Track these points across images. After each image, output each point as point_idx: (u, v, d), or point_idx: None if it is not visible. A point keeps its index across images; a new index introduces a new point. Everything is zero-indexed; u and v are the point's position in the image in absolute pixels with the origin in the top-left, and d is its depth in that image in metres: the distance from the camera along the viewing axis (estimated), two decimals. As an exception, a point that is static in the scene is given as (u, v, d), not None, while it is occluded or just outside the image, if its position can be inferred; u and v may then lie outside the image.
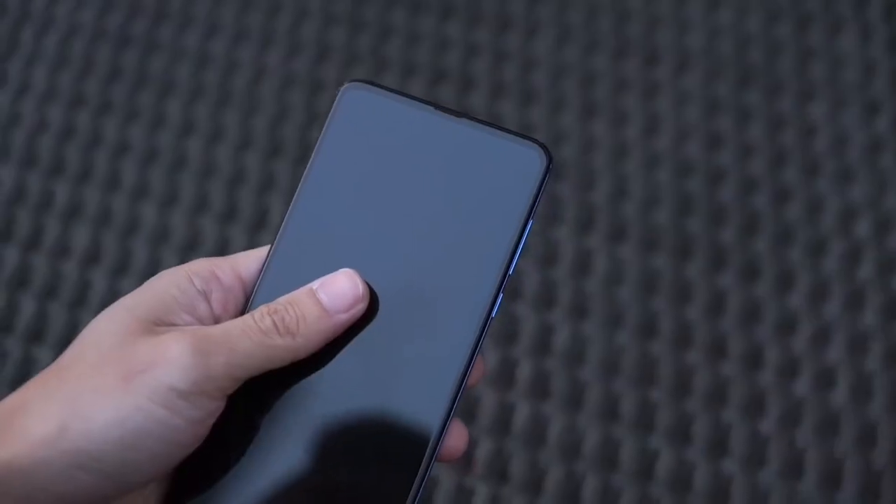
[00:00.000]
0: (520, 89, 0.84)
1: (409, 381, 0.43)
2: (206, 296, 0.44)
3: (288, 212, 0.45)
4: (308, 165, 0.45)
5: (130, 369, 0.41)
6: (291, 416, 0.43)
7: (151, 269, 0.77)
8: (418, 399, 0.43)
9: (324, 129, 0.45)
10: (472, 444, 0.71)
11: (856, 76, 0.84)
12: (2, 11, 0.87)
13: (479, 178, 0.44)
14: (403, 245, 0.44)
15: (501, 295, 0.43)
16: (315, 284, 0.44)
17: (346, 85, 0.45)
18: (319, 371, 0.43)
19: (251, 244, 0.78)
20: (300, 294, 0.44)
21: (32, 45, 0.86)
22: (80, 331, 0.74)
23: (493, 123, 0.45)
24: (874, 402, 0.73)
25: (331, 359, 0.43)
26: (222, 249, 0.78)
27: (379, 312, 0.44)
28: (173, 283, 0.44)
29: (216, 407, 0.42)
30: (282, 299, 0.44)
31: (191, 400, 0.41)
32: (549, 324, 0.75)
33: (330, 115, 0.45)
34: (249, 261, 0.46)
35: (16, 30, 0.87)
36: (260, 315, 0.43)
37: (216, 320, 0.45)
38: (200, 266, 0.45)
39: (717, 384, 0.73)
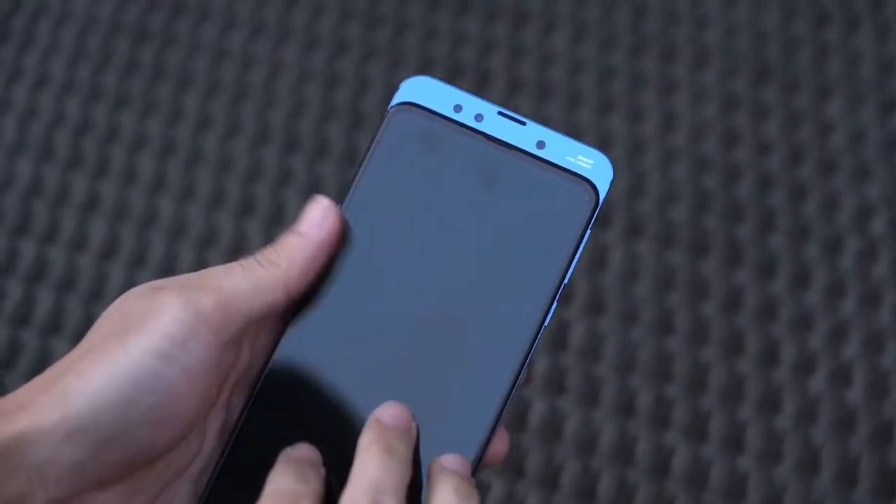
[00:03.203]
0: (537, 85, 0.84)
1: (440, 417, 0.42)
2: None
3: None
4: (352, 186, 0.44)
5: (127, 328, 0.41)
6: (331, 427, 0.43)
7: (168, 263, 0.77)
8: (448, 437, 0.42)
9: (370, 149, 0.45)
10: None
11: (872, 73, 0.84)
12: (19, 4, 0.87)
13: (525, 211, 0.44)
14: (445, 273, 0.43)
15: (541, 335, 0.43)
16: None
17: (394, 107, 0.45)
18: (355, 388, 0.43)
19: (268, 238, 0.78)
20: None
21: (50, 37, 0.86)
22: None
23: (543, 158, 0.44)
24: (890, 399, 0.73)
25: (368, 378, 0.43)
26: (239, 243, 0.78)
27: (417, 339, 0.43)
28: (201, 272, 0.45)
29: (212, 357, 0.42)
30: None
31: (184, 346, 0.41)
32: (566, 320, 0.75)
33: (378, 135, 0.45)
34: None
35: (33, 22, 0.87)
36: (244, 259, 0.44)
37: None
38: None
39: (732, 381, 0.73)
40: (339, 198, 0.46)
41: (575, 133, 0.82)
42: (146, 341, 0.41)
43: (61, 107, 0.83)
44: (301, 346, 0.43)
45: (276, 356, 0.44)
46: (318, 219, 0.45)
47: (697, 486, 0.70)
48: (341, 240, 0.45)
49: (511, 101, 0.83)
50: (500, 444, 0.44)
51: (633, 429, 0.72)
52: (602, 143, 0.81)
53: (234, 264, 0.44)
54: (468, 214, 0.44)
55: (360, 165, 0.45)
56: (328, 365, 0.43)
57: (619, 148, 0.81)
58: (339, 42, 0.86)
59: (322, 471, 0.42)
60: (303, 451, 0.43)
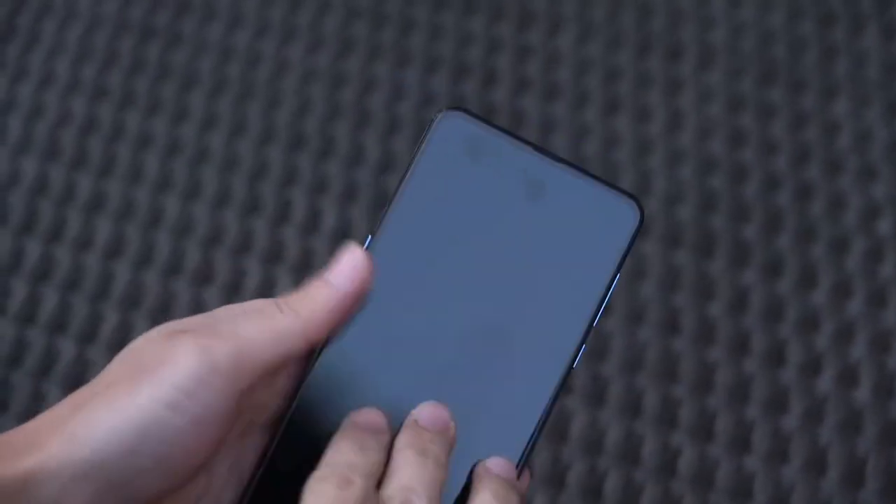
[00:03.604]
0: (543, 85, 0.84)
1: (482, 426, 0.42)
2: None
3: (374, 236, 0.44)
4: (397, 191, 0.44)
5: (139, 371, 0.41)
6: None
7: (174, 262, 0.77)
8: (491, 445, 0.42)
9: (416, 156, 0.44)
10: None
11: (878, 74, 0.84)
12: (23, 3, 0.87)
13: (570, 225, 0.43)
14: (490, 283, 0.43)
15: (584, 347, 0.43)
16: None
17: (443, 112, 0.44)
18: (396, 398, 0.42)
19: (273, 237, 0.78)
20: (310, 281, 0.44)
21: (55, 37, 0.86)
22: (104, 324, 0.74)
23: (591, 173, 0.44)
24: (897, 399, 0.73)
25: (409, 389, 0.42)
26: (245, 242, 0.78)
27: (460, 351, 0.43)
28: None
29: (224, 407, 0.41)
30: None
31: (195, 397, 0.40)
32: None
33: (423, 141, 0.44)
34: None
35: (37, 21, 0.87)
36: (267, 301, 0.43)
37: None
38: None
39: (739, 381, 0.73)
40: (375, 206, 0.45)
41: (581, 132, 0.82)
42: (156, 391, 0.40)
43: (66, 106, 0.83)
44: (340, 355, 0.43)
45: (320, 359, 0.43)
46: (347, 269, 0.43)
47: (704, 487, 0.70)
48: (369, 291, 0.43)
49: (517, 101, 0.83)
50: (523, 480, 0.44)
51: (639, 429, 0.72)
52: (608, 143, 0.81)
53: (253, 309, 0.42)
54: (514, 224, 0.43)
55: (407, 169, 0.44)
56: (369, 374, 0.43)
57: (625, 148, 0.81)
58: (344, 41, 0.86)
59: (386, 437, 0.41)
60: (367, 416, 0.42)
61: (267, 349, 0.42)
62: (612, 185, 0.44)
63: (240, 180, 0.80)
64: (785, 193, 0.80)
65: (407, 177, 0.44)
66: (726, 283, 0.76)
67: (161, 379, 0.40)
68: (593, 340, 0.74)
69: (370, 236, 0.44)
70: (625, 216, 0.43)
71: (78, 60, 0.85)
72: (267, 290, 0.76)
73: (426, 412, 0.42)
